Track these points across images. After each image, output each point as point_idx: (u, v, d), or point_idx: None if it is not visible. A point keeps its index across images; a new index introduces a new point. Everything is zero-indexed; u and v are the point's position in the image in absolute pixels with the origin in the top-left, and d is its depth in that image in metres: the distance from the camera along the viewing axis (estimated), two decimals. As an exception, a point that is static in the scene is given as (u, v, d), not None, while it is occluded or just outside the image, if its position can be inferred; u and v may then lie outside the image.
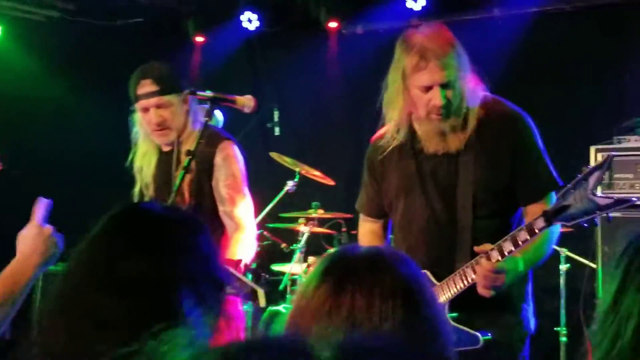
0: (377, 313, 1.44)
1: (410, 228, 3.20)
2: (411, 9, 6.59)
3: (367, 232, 3.44)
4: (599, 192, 2.77)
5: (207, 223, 3.63)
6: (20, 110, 7.87)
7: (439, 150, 3.11)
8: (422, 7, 6.54)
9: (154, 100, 3.69)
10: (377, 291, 1.46)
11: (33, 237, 2.17)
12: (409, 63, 2.97)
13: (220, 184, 3.69)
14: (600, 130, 5.09)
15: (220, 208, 3.68)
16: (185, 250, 1.62)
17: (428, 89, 2.97)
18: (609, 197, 2.76)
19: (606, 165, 2.73)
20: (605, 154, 5.03)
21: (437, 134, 3.09)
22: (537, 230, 2.82)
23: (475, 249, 2.94)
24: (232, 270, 3.18)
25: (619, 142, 5.06)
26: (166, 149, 3.84)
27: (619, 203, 2.76)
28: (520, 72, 6.45)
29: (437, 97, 2.96)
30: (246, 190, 3.76)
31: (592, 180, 2.70)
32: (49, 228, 2.22)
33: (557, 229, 3.08)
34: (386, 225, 3.42)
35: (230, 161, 3.72)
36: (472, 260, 2.95)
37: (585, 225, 2.77)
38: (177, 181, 3.47)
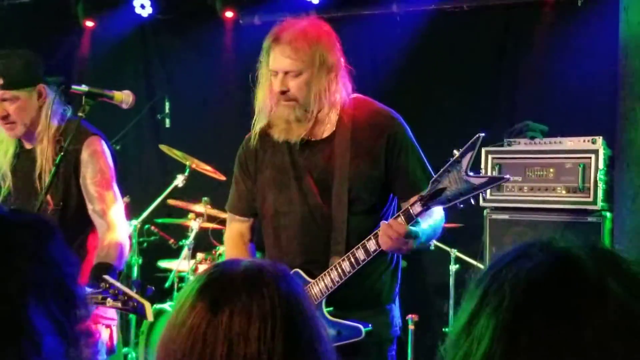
0: (255, 336, 1.39)
1: (282, 223, 3.18)
2: (310, 2, 6.47)
3: (234, 234, 3.38)
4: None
5: (74, 224, 3.47)
6: None
7: (281, 137, 3.13)
8: (320, 0, 6.42)
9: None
10: (254, 311, 1.41)
11: None
12: (265, 46, 3.06)
13: (88, 182, 3.53)
14: (493, 132, 5.09)
15: (89, 207, 3.53)
16: (32, 255, 1.49)
17: (276, 74, 3.03)
18: (482, 177, 2.84)
19: (476, 145, 2.78)
20: (495, 156, 5.05)
21: (282, 121, 3.11)
22: (414, 216, 2.87)
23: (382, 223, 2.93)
24: (114, 282, 3.02)
25: (510, 145, 5.07)
26: (28, 146, 3.66)
27: (492, 181, 2.87)
28: (416, 70, 6.43)
29: (277, 83, 3.02)
30: (116, 187, 3.61)
31: (464, 161, 2.77)
32: None
33: (441, 216, 3.13)
34: (253, 225, 3.37)
35: (98, 157, 3.55)
36: (350, 252, 2.98)
37: (461, 205, 2.84)
38: (49, 179, 3.34)
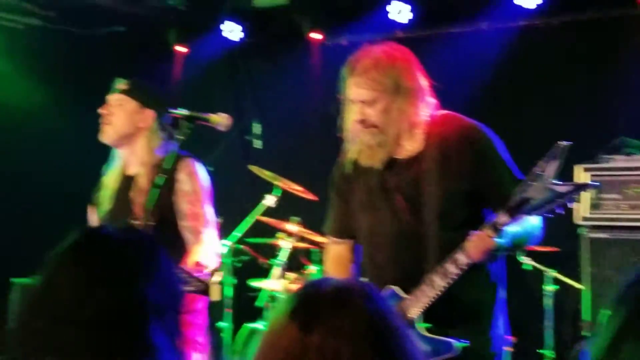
0: (346, 356, 1.40)
1: (376, 243, 3.22)
2: (396, 21, 6.47)
3: (334, 256, 3.44)
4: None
5: (170, 239, 3.60)
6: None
7: (367, 162, 3.19)
8: (409, 20, 6.42)
9: (115, 97, 3.80)
10: (345, 331, 1.42)
11: None
12: (343, 76, 3.14)
13: (182, 200, 3.69)
14: (587, 149, 4.97)
15: (181, 223, 3.68)
16: (150, 277, 1.58)
17: (353, 103, 3.10)
18: (568, 184, 2.82)
19: (560, 154, 2.79)
20: (591, 173, 4.92)
21: (366, 147, 3.17)
22: (500, 226, 2.87)
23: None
24: (182, 267, 3.26)
25: (606, 162, 4.94)
26: (129, 172, 3.83)
27: (578, 188, 2.88)
28: (506, 86, 6.36)
29: (355, 112, 3.09)
30: (208, 207, 3.76)
31: (549, 170, 2.78)
32: None
33: (536, 224, 3.10)
34: (353, 247, 3.41)
35: (193, 178, 3.73)
36: (441, 267, 2.98)
37: (549, 215, 2.83)
38: (151, 198, 3.49)
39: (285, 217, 6.02)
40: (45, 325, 1.52)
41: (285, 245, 5.80)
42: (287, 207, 6.07)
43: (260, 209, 5.84)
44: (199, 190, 3.71)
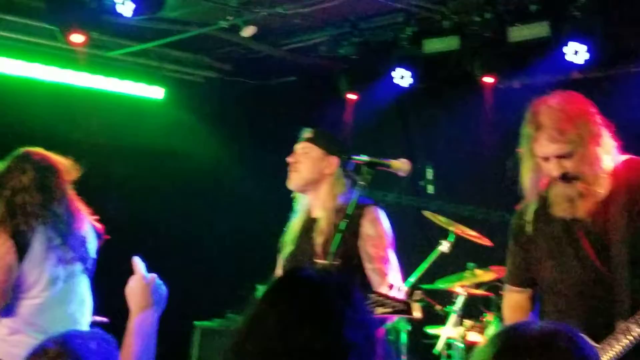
0: None
1: (560, 291, 3.17)
2: (572, 62, 6.33)
3: (513, 304, 3.40)
4: None
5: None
6: (179, 166, 8.15)
7: (567, 215, 3.12)
8: (585, 60, 6.26)
9: (301, 145, 3.98)
10: None
11: (142, 290, 2.45)
12: (528, 133, 3.09)
13: (368, 244, 3.80)
14: None
15: (368, 266, 3.77)
16: (348, 318, 1.63)
17: (547, 159, 3.05)
18: None
19: None
20: None
21: (564, 200, 3.11)
22: None
23: None
24: (380, 292, 3.31)
25: None
26: (314, 215, 3.97)
27: None
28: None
29: (553, 168, 3.04)
30: (391, 251, 3.87)
31: None
32: (152, 277, 2.50)
33: None
34: (533, 296, 3.36)
35: (377, 224, 3.85)
36: (638, 315, 2.90)
37: None
38: (335, 242, 3.62)
39: (460, 263, 5.98)
40: (248, 357, 1.60)
41: (462, 291, 5.74)
42: (463, 253, 6.03)
43: (434, 254, 5.82)
44: (383, 235, 3.81)
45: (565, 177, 3.04)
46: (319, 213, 3.93)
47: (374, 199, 4.03)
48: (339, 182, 3.93)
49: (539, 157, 3.07)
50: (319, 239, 3.85)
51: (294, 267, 1.80)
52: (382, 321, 3.47)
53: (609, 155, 3.11)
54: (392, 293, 3.35)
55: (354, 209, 3.72)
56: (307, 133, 4.02)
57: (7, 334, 4.15)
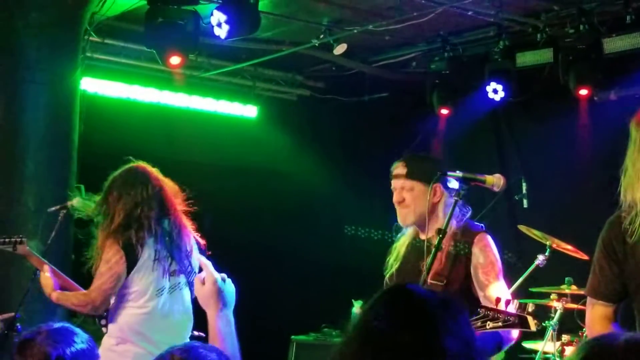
0: None
1: None
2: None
3: (600, 317, 3.26)
4: None
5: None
6: (272, 184, 8.28)
7: None
8: (683, 70, 6.13)
9: (400, 182, 3.88)
10: None
11: (212, 292, 2.47)
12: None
13: (480, 271, 3.75)
14: None
15: (480, 293, 3.73)
16: (448, 328, 1.67)
17: None
18: None
19: None
20: None
21: None
22: None
23: None
24: (490, 306, 3.22)
25: None
26: (422, 236, 3.93)
27: None
28: None
29: None
30: (502, 277, 3.80)
31: None
32: (220, 276, 2.49)
33: None
34: (618, 309, 3.24)
35: (488, 250, 3.78)
36: None
37: None
38: (430, 259, 3.60)
39: (556, 277, 5.89)
40: (354, 356, 1.67)
41: (559, 306, 5.66)
42: (559, 267, 5.94)
43: (530, 269, 5.75)
44: (494, 262, 3.76)
45: None
46: (429, 235, 3.87)
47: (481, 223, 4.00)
48: (445, 204, 3.88)
49: None
50: (427, 261, 3.79)
51: (397, 285, 1.85)
52: (495, 338, 3.44)
53: None
54: (503, 307, 3.31)
55: (464, 235, 3.74)
56: (399, 167, 3.93)
57: (115, 343, 4.35)
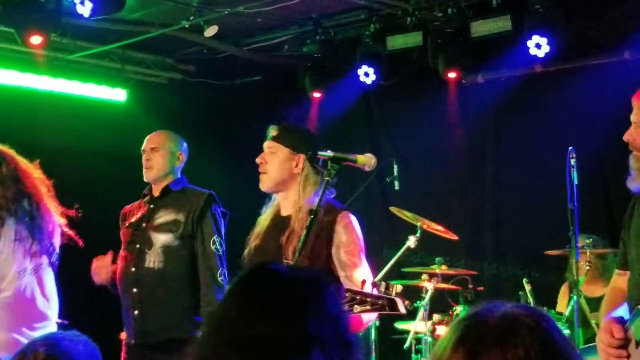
0: None
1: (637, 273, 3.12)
2: (535, 56, 6.36)
3: (612, 285, 3.34)
4: None
5: None
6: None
7: None
8: (546, 53, 6.30)
9: (268, 144, 3.94)
10: None
11: None
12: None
13: (342, 251, 3.74)
14: None
15: (342, 273, 3.72)
16: (313, 310, 1.61)
17: None
18: None
19: None
20: None
21: None
22: None
23: None
24: (356, 290, 3.21)
25: None
26: (284, 213, 3.92)
27: None
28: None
29: None
30: (364, 257, 3.82)
31: None
32: None
33: None
34: None
35: (350, 229, 3.79)
36: None
37: None
38: (302, 240, 3.56)
39: (427, 258, 5.99)
40: (213, 349, 1.59)
41: (430, 286, 5.74)
42: (429, 247, 6.04)
43: (402, 250, 5.82)
44: (356, 241, 3.77)
45: None
46: (288, 211, 3.87)
47: (341, 200, 3.99)
48: (309, 180, 3.86)
49: None
50: (286, 238, 3.79)
51: (261, 262, 1.77)
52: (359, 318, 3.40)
53: None
54: (369, 290, 3.28)
55: (327, 214, 3.71)
56: (273, 130, 3.96)
57: None
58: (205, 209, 4.79)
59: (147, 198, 4.93)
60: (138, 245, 4.66)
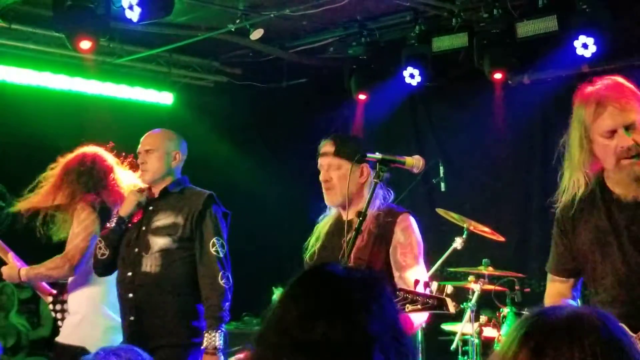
0: None
1: (603, 282, 3.11)
2: (582, 56, 6.31)
3: (554, 293, 3.34)
4: None
5: None
6: (189, 171, 8.13)
7: (638, 195, 3.02)
8: (593, 53, 6.24)
9: (327, 160, 3.87)
10: (577, 357, 1.42)
11: None
12: (587, 114, 2.98)
13: (399, 252, 3.75)
14: None
15: (396, 274, 3.73)
16: (372, 311, 1.62)
17: (612, 133, 2.95)
18: None
19: None
20: None
21: (632, 180, 3.01)
22: None
23: None
24: (408, 289, 3.21)
25: None
26: (344, 217, 3.89)
27: None
28: None
29: (623, 139, 2.93)
30: (422, 260, 3.82)
31: None
32: None
33: None
34: (575, 284, 3.31)
35: (409, 231, 3.79)
36: None
37: None
38: (350, 242, 3.58)
39: (474, 259, 5.96)
40: (274, 352, 1.60)
41: (476, 287, 5.72)
42: (476, 249, 6.01)
43: (448, 251, 5.80)
44: (414, 244, 3.76)
45: (638, 148, 2.91)
46: (351, 216, 3.83)
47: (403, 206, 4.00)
48: (371, 187, 3.87)
49: (602, 135, 2.96)
50: (347, 240, 3.77)
51: (319, 263, 1.77)
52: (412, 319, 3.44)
53: None
54: (421, 290, 3.30)
55: (387, 216, 3.75)
56: (328, 145, 3.90)
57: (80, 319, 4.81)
58: (205, 211, 4.62)
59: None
60: (136, 249, 4.53)
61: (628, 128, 2.91)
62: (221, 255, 4.56)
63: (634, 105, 2.92)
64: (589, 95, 2.99)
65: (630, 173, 2.98)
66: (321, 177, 3.89)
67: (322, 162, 3.91)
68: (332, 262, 1.79)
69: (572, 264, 3.25)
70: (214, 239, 4.56)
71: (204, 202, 4.65)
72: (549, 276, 3.38)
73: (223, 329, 4.39)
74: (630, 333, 2.89)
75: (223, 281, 4.49)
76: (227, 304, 4.46)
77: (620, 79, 3.05)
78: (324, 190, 3.88)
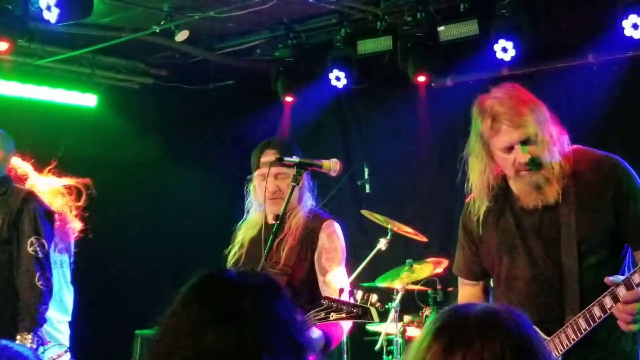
0: None
1: (513, 286, 3.15)
2: (501, 59, 6.43)
3: (467, 296, 3.38)
4: None
5: (301, 291, 3.68)
6: (114, 174, 8.04)
7: (538, 203, 3.06)
8: (512, 57, 6.38)
9: (274, 169, 3.78)
10: (486, 357, 1.44)
11: None
12: (484, 128, 3.01)
13: (323, 257, 3.81)
14: None
15: (321, 278, 3.79)
16: (263, 317, 1.61)
17: (510, 149, 2.98)
18: None
19: None
20: None
21: (533, 189, 3.05)
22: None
23: (606, 280, 2.87)
24: (334, 298, 3.28)
25: None
26: (271, 221, 3.84)
27: None
28: (618, 118, 6.21)
29: (520, 155, 2.97)
30: (343, 266, 3.88)
31: None
32: None
33: None
34: (486, 287, 3.38)
35: (334, 237, 3.85)
36: (590, 306, 2.90)
37: None
38: (267, 246, 3.57)
39: (398, 260, 6.02)
40: (164, 357, 1.59)
41: (400, 288, 5.78)
42: (400, 250, 6.08)
43: (373, 252, 5.86)
44: (339, 249, 3.83)
45: (534, 163, 2.95)
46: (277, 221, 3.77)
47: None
48: (303, 191, 3.92)
49: (500, 150, 2.99)
50: (276, 245, 3.76)
51: (212, 269, 1.76)
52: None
53: (562, 141, 3.05)
54: (346, 298, 3.31)
55: (313, 221, 3.79)
56: (271, 154, 3.79)
57: None
58: (22, 209, 4.42)
59: None
60: None
61: (525, 142, 2.94)
62: (40, 255, 4.36)
63: (527, 119, 2.93)
64: (484, 110, 3.00)
65: (530, 182, 3.03)
66: (270, 189, 3.77)
67: (266, 172, 3.79)
68: (227, 268, 1.78)
69: (479, 267, 3.30)
70: (33, 238, 4.35)
71: (21, 201, 4.44)
72: (459, 279, 3.43)
73: (39, 333, 4.22)
74: (543, 336, 2.93)
75: (40, 282, 4.30)
76: (44, 307, 4.27)
77: (515, 90, 3.04)
78: (268, 200, 3.78)
